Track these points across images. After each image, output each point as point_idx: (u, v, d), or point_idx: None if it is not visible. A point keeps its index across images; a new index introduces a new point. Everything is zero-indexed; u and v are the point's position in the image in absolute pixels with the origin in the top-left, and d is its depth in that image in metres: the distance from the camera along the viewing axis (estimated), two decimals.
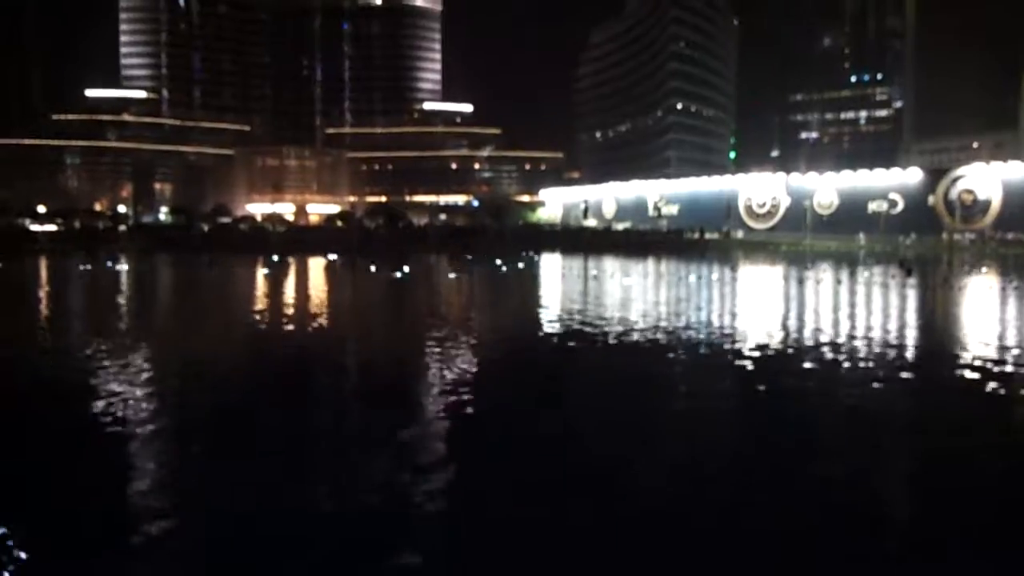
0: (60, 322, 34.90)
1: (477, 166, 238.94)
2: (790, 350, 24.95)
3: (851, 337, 27.77)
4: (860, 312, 37.80)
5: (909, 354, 24.93)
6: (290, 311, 37.49)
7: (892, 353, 24.33)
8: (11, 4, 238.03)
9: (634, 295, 45.68)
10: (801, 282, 55.27)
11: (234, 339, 29.08)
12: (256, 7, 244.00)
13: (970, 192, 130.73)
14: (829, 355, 23.90)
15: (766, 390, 19.28)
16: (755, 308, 39.84)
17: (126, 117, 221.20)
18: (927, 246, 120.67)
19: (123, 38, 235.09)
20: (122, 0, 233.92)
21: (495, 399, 18.31)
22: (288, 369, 22.60)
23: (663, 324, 31.41)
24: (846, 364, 22.59)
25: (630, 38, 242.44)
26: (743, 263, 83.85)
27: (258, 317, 36.01)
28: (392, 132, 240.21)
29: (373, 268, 69.66)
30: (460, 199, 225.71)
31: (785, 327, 30.94)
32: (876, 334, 28.64)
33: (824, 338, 27.20)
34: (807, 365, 22.30)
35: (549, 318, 34.80)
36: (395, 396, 18.79)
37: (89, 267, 71.57)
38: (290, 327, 31.75)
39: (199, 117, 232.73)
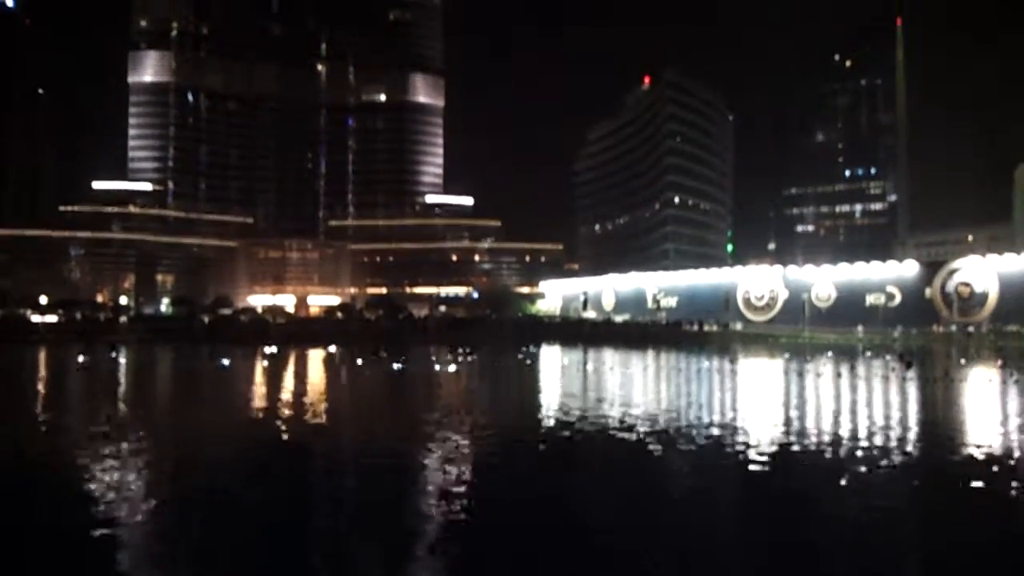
0: (39, 419, 34.64)
1: (477, 258, 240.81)
2: (795, 451, 24.59)
3: (855, 438, 27.49)
4: (862, 409, 37.50)
5: (918, 458, 24.45)
6: (284, 409, 37.07)
7: (899, 458, 24.03)
8: (22, 96, 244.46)
9: (634, 390, 45.41)
10: (801, 376, 55.07)
11: (224, 440, 28.68)
12: (263, 103, 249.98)
13: (967, 285, 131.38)
14: (835, 461, 23.39)
15: (774, 500, 18.89)
16: (757, 405, 39.56)
17: (131, 209, 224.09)
18: (927, 338, 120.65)
19: (132, 131, 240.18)
20: (132, 95, 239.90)
21: (487, 513, 17.65)
22: (277, 474, 22.03)
23: (665, 423, 31.07)
24: (856, 470, 22.00)
25: (627, 133, 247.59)
26: (743, 356, 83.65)
27: (251, 415, 35.55)
28: (393, 224, 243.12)
29: (372, 360, 69.50)
30: (460, 291, 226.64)
31: (788, 426, 30.60)
32: (880, 434, 28.36)
33: (828, 439, 26.80)
34: (814, 471, 21.97)
35: (549, 417, 34.36)
36: (385, 506, 18.34)
37: (86, 359, 71.36)
38: (283, 427, 31.30)
39: (203, 209, 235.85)
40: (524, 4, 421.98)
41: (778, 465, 22.22)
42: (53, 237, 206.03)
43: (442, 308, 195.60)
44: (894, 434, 28.21)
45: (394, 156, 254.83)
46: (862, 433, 28.25)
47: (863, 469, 21.66)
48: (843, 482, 20.15)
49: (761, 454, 23.66)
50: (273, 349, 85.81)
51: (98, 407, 37.32)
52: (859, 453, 23.95)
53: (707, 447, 25.42)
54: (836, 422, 31.47)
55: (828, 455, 23.72)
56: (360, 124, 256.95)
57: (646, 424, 30.21)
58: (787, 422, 31.46)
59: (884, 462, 22.58)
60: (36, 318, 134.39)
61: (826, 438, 26.87)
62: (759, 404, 39.38)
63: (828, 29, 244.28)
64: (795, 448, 24.96)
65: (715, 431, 28.62)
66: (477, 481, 20.57)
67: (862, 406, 38.42)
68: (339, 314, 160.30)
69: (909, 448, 25.66)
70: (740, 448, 24.78)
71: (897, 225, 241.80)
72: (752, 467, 22.01)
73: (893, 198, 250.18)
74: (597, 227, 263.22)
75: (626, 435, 27.54)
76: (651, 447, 25.33)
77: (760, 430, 28.73)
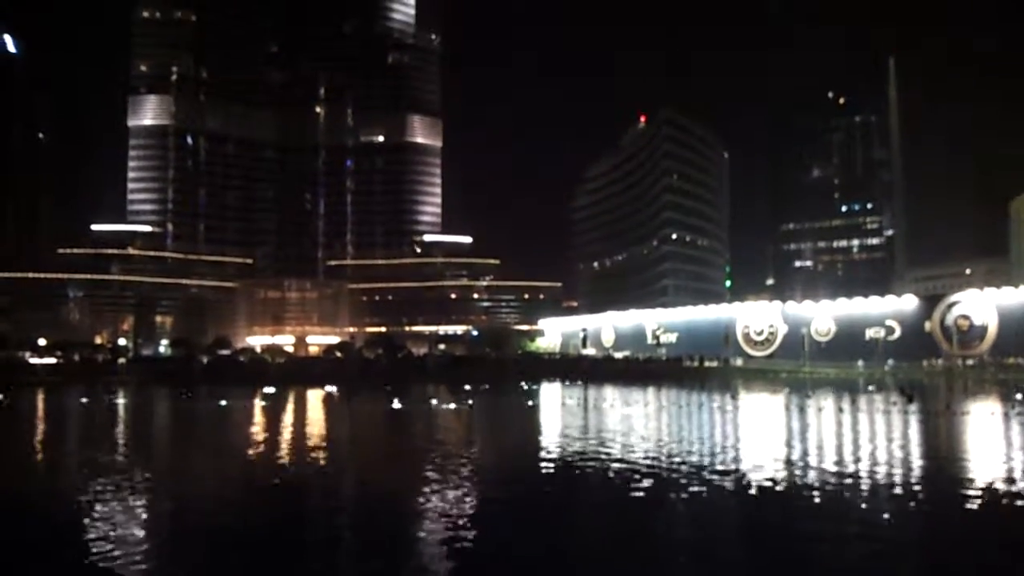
0: (31, 465, 34.45)
1: (476, 296, 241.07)
2: (803, 491, 24.27)
3: (868, 476, 27.27)
4: (865, 444, 37.27)
5: (926, 495, 24.18)
6: (281, 451, 36.76)
7: (904, 494, 23.83)
8: (22, 139, 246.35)
9: (636, 428, 45.18)
10: (803, 411, 54.81)
11: (219, 485, 28.31)
12: (262, 145, 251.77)
13: (966, 318, 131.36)
14: (855, 501, 22.90)
15: (784, 543, 18.49)
16: (760, 443, 39.31)
17: (130, 251, 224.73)
18: (927, 372, 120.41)
19: (131, 174, 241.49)
20: (132, 138, 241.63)
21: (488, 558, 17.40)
22: (271, 520, 21.58)
23: (668, 462, 30.76)
24: (868, 513, 21.59)
25: (625, 171, 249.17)
26: (743, 391, 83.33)
27: (247, 458, 35.13)
28: (392, 263, 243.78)
29: (371, 400, 69.20)
30: (459, 329, 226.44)
31: (792, 464, 30.37)
32: (886, 470, 28.16)
33: (844, 479, 26.31)
34: (822, 511, 21.74)
35: (550, 457, 33.90)
36: (378, 550, 18.15)
37: (84, 401, 71.05)
38: (277, 470, 31.02)
39: (202, 250, 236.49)
40: (522, 44, 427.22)
41: (798, 508, 21.93)
42: (52, 279, 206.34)
43: (441, 347, 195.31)
44: (905, 471, 28.03)
45: (392, 196, 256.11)
46: (873, 471, 28.01)
47: (883, 510, 21.45)
48: (859, 523, 19.97)
49: (780, 496, 23.45)
50: (272, 389, 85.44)
51: (116, 451, 37.09)
52: (877, 493, 23.70)
53: (724, 489, 25.00)
54: (847, 460, 31.21)
55: (847, 495, 23.38)
56: (358, 165, 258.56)
57: (656, 464, 29.96)
58: (797, 461, 31.25)
59: (903, 502, 22.37)
60: (35, 360, 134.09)
61: (844, 479, 26.34)
62: (767, 442, 39.14)
63: (821, 67, 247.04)
64: (809, 489, 24.70)
65: (728, 470, 28.35)
66: (480, 528, 20.23)
67: (867, 442, 38.17)
68: (338, 353, 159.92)
69: (924, 485, 25.46)
70: (761, 490, 24.49)
71: (895, 259, 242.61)
72: (759, 511, 21.84)
73: (890, 233, 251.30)
74: (595, 264, 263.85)
75: (635, 476, 27.28)
76: (664, 489, 25.04)
77: (772, 470, 28.49)
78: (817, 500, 22.58)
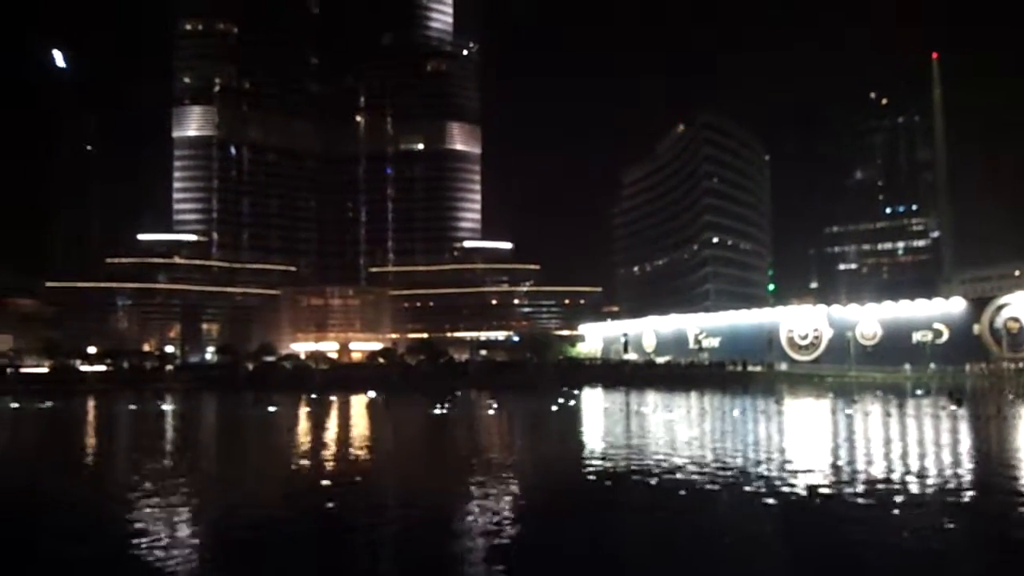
0: (87, 471, 35.29)
1: (516, 301, 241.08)
2: (857, 499, 24.04)
3: (906, 485, 26.96)
4: (917, 450, 36.78)
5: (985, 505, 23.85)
6: (327, 457, 37.31)
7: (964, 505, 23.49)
8: (71, 152, 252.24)
9: (681, 434, 44.95)
10: (853, 417, 54.11)
11: (267, 490, 28.93)
12: (303, 154, 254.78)
13: (1016, 320, 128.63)
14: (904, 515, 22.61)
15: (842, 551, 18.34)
16: (809, 449, 38.92)
17: (176, 260, 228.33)
18: (973, 376, 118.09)
19: (176, 184, 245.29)
20: (176, 149, 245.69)
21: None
22: (319, 527, 21.96)
23: (715, 469, 30.51)
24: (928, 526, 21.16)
25: (664, 175, 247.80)
26: (789, 397, 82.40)
27: (294, 464, 35.67)
28: (433, 270, 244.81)
29: (414, 405, 69.67)
30: (500, 335, 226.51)
31: (840, 471, 30.06)
32: (936, 478, 27.81)
33: (889, 488, 26.04)
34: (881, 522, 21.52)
35: (595, 463, 33.80)
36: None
37: (135, 407, 72.50)
38: (324, 476, 31.52)
39: (247, 259, 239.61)
40: (560, 48, 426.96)
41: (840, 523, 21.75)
42: (101, 288, 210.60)
43: (482, 352, 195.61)
44: (963, 480, 27.66)
45: (433, 203, 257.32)
46: (928, 480, 27.67)
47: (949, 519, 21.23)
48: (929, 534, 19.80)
49: (821, 504, 23.30)
50: (316, 395, 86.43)
51: (181, 458, 37.92)
52: (937, 501, 23.43)
53: (792, 499, 24.49)
54: (909, 468, 30.80)
55: (909, 505, 23.16)
56: (399, 172, 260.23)
57: (711, 473, 29.83)
58: (855, 469, 30.95)
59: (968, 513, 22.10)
60: (85, 368, 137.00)
61: (907, 485, 26.10)
62: (812, 451, 38.79)
63: (863, 67, 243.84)
64: (866, 497, 24.45)
65: (788, 479, 27.98)
66: (533, 542, 20.10)
67: (917, 446, 37.68)
68: (380, 359, 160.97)
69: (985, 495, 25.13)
70: (804, 499, 24.36)
71: (941, 261, 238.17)
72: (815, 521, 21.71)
73: (936, 235, 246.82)
74: (636, 269, 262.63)
75: (693, 485, 27.20)
76: (707, 500, 24.94)
77: (817, 479, 28.28)
78: (896, 513, 22.28)
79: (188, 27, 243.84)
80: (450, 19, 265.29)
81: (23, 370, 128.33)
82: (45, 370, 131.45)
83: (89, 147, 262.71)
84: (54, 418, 65.93)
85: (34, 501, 25.97)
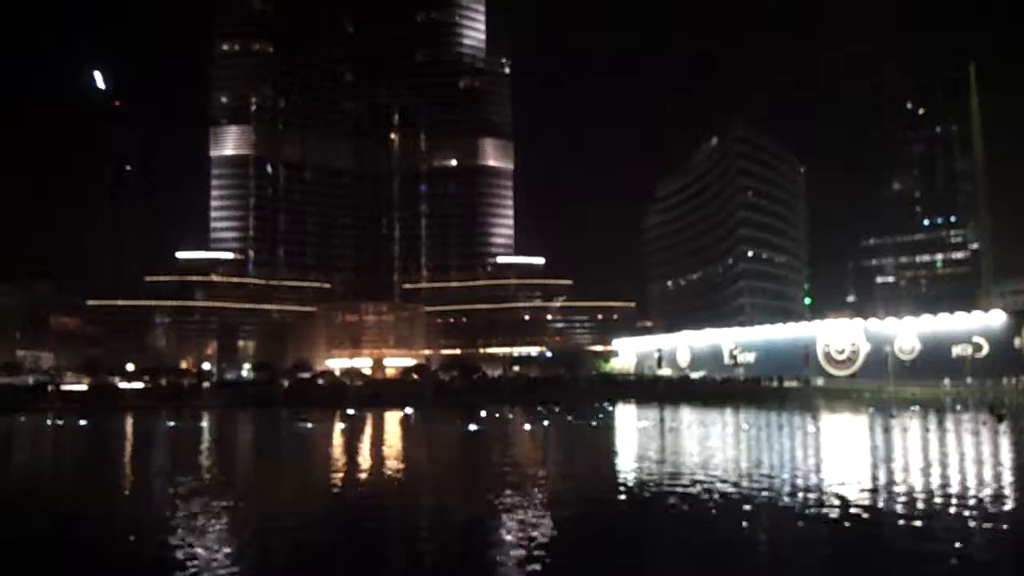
0: (130, 484, 35.84)
1: (549, 317, 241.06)
2: (901, 524, 23.77)
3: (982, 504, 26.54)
4: (970, 468, 36.18)
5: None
6: (362, 474, 37.65)
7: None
8: (110, 172, 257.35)
9: (717, 453, 44.59)
10: (891, 432, 53.38)
11: (303, 508, 29.29)
12: (339, 172, 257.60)
13: None
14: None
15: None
16: (851, 470, 38.34)
17: (214, 277, 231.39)
18: (1011, 391, 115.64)
19: (213, 203, 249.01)
20: (214, 167, 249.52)
21: None
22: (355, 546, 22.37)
23: (754, 492, 30.08)
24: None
25: (698, 188, 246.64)
26: (828, 413, 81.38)
27: (330, 481, 36.10)
28: (466, 286, 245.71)
29: (449, 422, 69.81)
30: (533, 350, 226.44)
31: (882, 493, 29.65)
32: (978, 500, 27.39)
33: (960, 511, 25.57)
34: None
35: (631, 485, 33.48)
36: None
37: (173, 424, 73.43)
38: (360, 493, 31.82)
39: (282, 276, 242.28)
40: (592, 64, 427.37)
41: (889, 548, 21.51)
42: (139, 307, 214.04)
43: (516, 368, 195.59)
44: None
45: (466, 219, 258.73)
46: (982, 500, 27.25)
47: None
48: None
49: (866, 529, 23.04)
50: (352, 412, 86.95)
51: (225, 472, 38.45)
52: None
53: (842, 524, 24.23)
54: (965, 487, 30.33)
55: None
56: (432, 189, 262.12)
57: (752, 494, 29.58)
58: (881, 492, 30.56)
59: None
60: (123, 385, 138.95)
61: (983, 504, 25.80)
62: (854, 472, 38.30)
63: (900, 78, 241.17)
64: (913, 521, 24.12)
65: (834, 502, 27.66)
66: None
67: (974, 465, 37.06)
68: (414, 375, 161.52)
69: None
70: (845, 525, 24.08)
71: (981, 274, 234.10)
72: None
73: (975, 246, 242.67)
74: (669, 283, 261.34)
75: (734, 506, 27.00)
76: (746, 525, 24.72)
77: (859, 502, 27.96)
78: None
79: (224, 47, 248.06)
80: (483, 36, 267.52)
81: (63, 387, 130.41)
82: (84, 387, 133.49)
83: (129, 167, 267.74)
84: (95, 436, 66.93)
85: (91, 519, 26.57)
